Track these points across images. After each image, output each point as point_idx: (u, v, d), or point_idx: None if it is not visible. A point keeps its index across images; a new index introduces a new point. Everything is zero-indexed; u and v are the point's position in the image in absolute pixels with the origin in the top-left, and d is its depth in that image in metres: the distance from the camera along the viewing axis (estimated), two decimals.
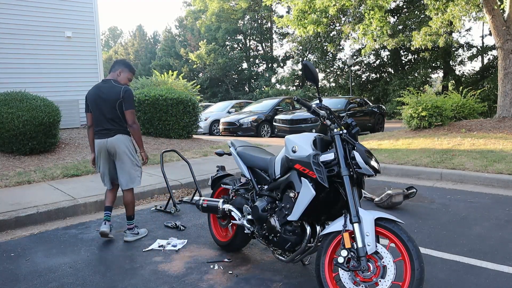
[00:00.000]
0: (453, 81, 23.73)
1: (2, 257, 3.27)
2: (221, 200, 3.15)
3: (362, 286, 2.14)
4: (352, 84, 26.35)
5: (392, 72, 26.58)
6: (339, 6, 12.87)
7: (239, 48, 35.59)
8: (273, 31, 35.57)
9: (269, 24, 34.88)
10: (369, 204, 4.52)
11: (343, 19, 19.97)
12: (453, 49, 23.78)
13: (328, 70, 28.82)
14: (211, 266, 2.97)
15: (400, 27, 19.93)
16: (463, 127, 8.45)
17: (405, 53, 25.85)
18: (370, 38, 13.67)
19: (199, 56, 31.22)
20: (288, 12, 27.40)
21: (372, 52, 25.64)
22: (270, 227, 2.61)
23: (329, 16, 13.59)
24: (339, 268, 2.19)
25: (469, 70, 30.08)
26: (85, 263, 3.09)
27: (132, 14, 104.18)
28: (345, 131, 2.33)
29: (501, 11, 9.36)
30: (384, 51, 26.13)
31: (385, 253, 2.13)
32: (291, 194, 2.48)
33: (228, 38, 34.52)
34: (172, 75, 12.28)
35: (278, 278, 2.75)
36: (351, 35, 18.05)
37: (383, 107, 15.57)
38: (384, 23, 12.92)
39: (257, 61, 36.51)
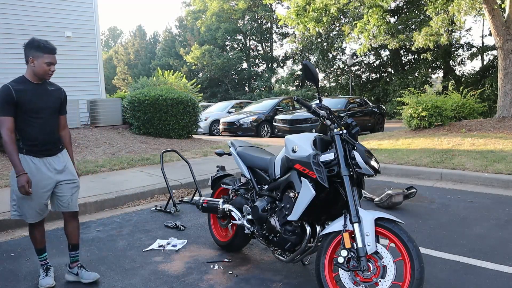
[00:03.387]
0: (453, 81, 23.72)
1: (2, 257, 3.27)
2: (221, 200, 3.15)
3: (362, 286, 2.14)
4: (352, 84, 26.34)
5: (392, 72, 26.56)
6: (340, 6, 12.88)
7: (239, 48, 35.60)
8: (273, 31, 35.58)
9: (269, 24, 34.88)
10: (369, 204, 4.52)
11: (343, 19, 19.97)
12: (453, 49, 23.77)
13: (328, 70, 28.79)
14: (211, 266, 2.97)
15: (401, 27, 19.92)
16: (463, 127, 8.45)
17: (405, 53, 25.83)
18: (366, 37, 13.66)
19: (194, 58, 31.26)
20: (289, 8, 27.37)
21: (372, 52, 25.64)
22: (270, 227, 2.61)
23: (330, 14, 13.59)
24: (339, 268, 2.19)
25: (469, 70, 30.06)
26: (85, 263, 3.08)
27: (132, 14, 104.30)
28: (345, 131, 2.33)
29: (501, 10, 9.36)
30: (384, 51, 26.11)
31: (385, 253, 2.13)
32: (291, 194, 2.48)
33: (228, 38, 34.53)
34: (173, 74, 12.29)
35: (278, 278, 2.75)
36: (351, 35, 18.05)
37: (383, 107, 15.57)
38: (382, 22, 12.92)
39: (257, 61, 36.52)
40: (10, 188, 2.69)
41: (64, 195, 2.71)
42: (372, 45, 14.77)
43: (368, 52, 22.73)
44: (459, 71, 25.09)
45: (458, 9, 10.92)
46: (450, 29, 13.60)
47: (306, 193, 2.34)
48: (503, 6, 9.63)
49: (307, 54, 29.10)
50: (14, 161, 2.52)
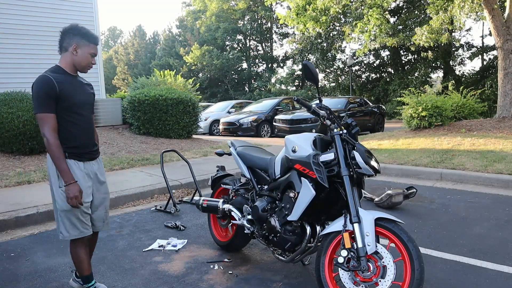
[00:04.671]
0: (453, 81, 23.72)
1: (2, 257, 3.27)
2: (221, 200, 3.15)
3: (362, 286, 2.14)
4: (352, 84, 26.33)
5: (392, 72, 26.55)
6: (340, 6, 12.89)
7: (239, 48, 35.61)
8: (273, 31, 35.58)
9: (269, 24, 34.88)
10: (369, 204, 4.52)
11: (343, 20, 19.98)
12: (453, 49, 23.76)
13: (328, 70, 28.79)
14: (211, 266, 2.97)
15: (400, 27, 19.93)
16: (463, 127, 8.44)
17: (405, 53, 25.82)
18: (367, 37, 13.67)
19: (194, 58, 31.27)
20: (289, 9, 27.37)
21: (372, 52, 25.63)
22: (270, 227, 2.61)
23: (329, 15, 13.60)
24: (339, 268, 2.19)
25: (469, 70, 30.05)
26: None
27: (132, 14, 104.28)
28: (345, 131, 2.33)
29: (501, 9, 9.36)
30: (384, 51, 26.09)
31: (385, 253, 2.13)
32: (291, 194, 2.48)
33: (228, 38, 34.52)
34: (171, 73, 12.29)
35: (278, 278, 2.75)
36: (351, 35, 18.06)
37: (383, 107, 15.56)
38: (382, 21, 12.93)
39: (257, 61, 36.51)
40: (54, 204, 2.27)
41: (99, 213, 2.41)
42: (373, 46, 14.77)
43: (368, 52, 22.75)
44: (459, 71, 25.09)
45: (459, 11, 10.91)
46: (450, 28, 13.57)
47: (306, 193, 2.34)
48: (505, 5, 9.62)
49: (307, 54, 29.08)
50: (63, 168, 2.14)
